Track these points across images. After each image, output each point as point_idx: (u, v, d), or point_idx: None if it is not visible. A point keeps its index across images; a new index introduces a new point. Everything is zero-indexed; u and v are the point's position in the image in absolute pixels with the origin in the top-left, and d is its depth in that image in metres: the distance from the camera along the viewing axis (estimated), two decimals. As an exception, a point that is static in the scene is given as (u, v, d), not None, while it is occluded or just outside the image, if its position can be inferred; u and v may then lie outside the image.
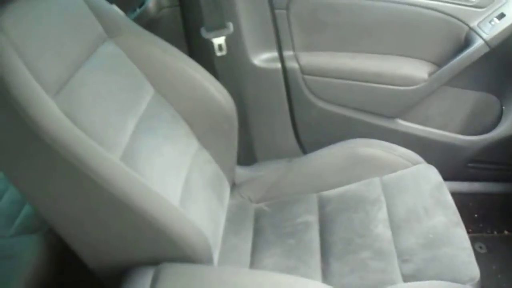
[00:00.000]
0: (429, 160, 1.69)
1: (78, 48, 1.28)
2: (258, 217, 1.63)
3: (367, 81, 1.94)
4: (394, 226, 1.45)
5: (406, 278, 1.30)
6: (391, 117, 1.99)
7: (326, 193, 1.64)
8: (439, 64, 1.92)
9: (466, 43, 1.87)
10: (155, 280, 1.09)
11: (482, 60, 1.83)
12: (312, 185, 1.68)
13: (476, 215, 2.07)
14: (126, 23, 1.50)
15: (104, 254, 1.20)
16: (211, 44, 1.79)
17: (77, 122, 1.09)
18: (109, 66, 1.37)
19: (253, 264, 1.45)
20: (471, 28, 1.86)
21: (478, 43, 1.81)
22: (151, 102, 1.44)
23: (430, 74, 1.91)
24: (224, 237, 1.53)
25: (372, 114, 1.99)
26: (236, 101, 1.63)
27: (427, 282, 1.27)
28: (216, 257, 1.42)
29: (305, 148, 2.04)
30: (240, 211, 1.64)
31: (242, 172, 1.87)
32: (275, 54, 1.93)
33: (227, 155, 1.66)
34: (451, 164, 1.99)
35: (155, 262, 1.14)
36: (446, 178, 1.64)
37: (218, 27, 1.78)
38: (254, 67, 1.90)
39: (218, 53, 1.80)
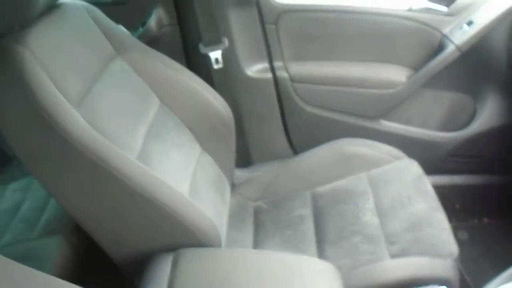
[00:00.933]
0: (411, 156, 1.82)
1: (93, 65, 1.40)
2: (257, 213, 1.74)
3: (351, 86, 2.03)
4: (381, 213, 1.59)
5: (393, 257, 1.44)
6: (375, 118, 2.09)
7: (318, 189, 1.76)
8: (416, 68, 2.04)
9: (440, 48, 1.98)
10: (174, 264, 1.21)
11: (455, 63, 1.95)
12: (305, 183, 1.79)
13: (457, 206, 2.19)
14: (131, 41, 1.61)
15: (126, 244, 1.32)
16: (208, 58, 1.88)
17: (98, 129, 1.21)
18: (120, 80, 1.48)
19: None
20: (443, 35, 1.98)
21: (450, 48, 1.94)
22: (158, 112, 1.55)
23: (408, 78, 2.03)
24: (228, 232, 1.63)
25: (357, 116, 2.09)
26: (233, 109, 1.73)
27: (411, 258, 1.43)
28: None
29: (296, 150, 2.12)
30: (241, 209, 1.75)
31: (240, 174, 1.96)
32: (266, 65, 2.01)
33: (226, 158, 1.76)
34: (431, 158, 2.10)
35: (173, 248, 1.26)
36: (427, 172, 1.78)
37: (215, 42, 1.88)
38: (247, 77, 1.99)
39: (215, 66, 1.89)
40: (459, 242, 1.51)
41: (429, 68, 2.00)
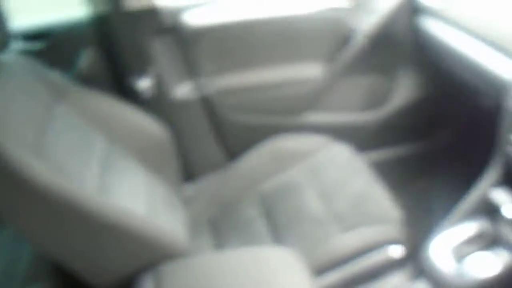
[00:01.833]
0: (340, 140, 1.98)
1: (40, 114, 1.46)
2: (211, 222, 1.84)
3: (273, 89, 2.14)
4: (325, 197, 1.75)
5: (344, 233, 1.61)
6: (300, 113, 2.21)
7: (262, 187, 1.89)
8: (330, 61, 2.17)
9: (349, 39, 2.13)
10: (158, 283, 1.30)
11: (365, 50, 2.11)
12: (249, 184, 1.91)
13: (393, 176, 2.32)
14: (67, 84, 1.68)
15: (107, 273, 1.39)
16: (139, 88, 1.95)
17: (58, 172, 1.30)
18: (66, 124, 1.55)
19: None
20: (351, 28, 2.13)
21: (359, 37, 2.10)
22: (104, 146, 1.63)
23: (323, 71, 2.16)
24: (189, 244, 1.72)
25: (285, 114, 2.19)
26: (170, 130, 1.82)
27: (360, 229, 1.60)
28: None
29: (234, 157, 2.17)
30: (195, 221, 1.84)
31: (188, 188, 2.05)
32: (191, 85, 2.09)
33: (172, 176, 1.84)
34: (359, 138, 2.25)
35: (150, 266, 1.35)
36: (358, 151, 1.96)
37: (143, 72, 1.95)
38: (177, 99, 2.06)
39: (147, 94, 1.97)
40: (400, 207, 1.71)
41: (342, 59, 2.14)
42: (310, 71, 2.17)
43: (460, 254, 1.63)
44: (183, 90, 2.07)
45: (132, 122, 1.75)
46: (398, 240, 1.61)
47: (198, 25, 1.98)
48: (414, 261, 1.68)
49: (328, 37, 2.16)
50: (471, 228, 1.68)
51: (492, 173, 1.71)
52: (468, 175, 1.81)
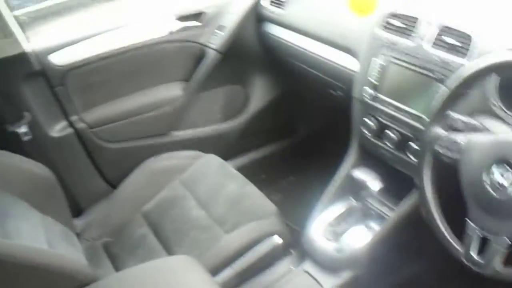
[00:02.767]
0: (208, 151, 2.11)
1: None
2: (106, 248, 1.89)
3: (141, 112, 2.20)
4: (204, 206, 1.87)
5: (228, 233, 1.74)
6: (169, 132, 2.31)
7: (145, 207, 1.97)
8: (188, 79, 2.28)
9: (203, 56, 2.27)
10: None
11: (219, 64, 2.26)
12: (132, 207, 1.98)
13: (263, 176, 2.51)
14: None
15: None
16: (17, 134, 1.97)
17: None
18: None
19: None
20: (202, 44, 2.26)
21: (211, 53, 2.24)
22: None
23: (183, 90, 2.27)
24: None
25: (155, 135, 2.29)
26: (52, 169, 1.85)
27: (242, 227, 1.73)
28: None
29: (115, 184, 2.20)
30: (91, 250, 1.87)
31: (78, 222, 2.07)
32: (65, 122, 2.10)
33: (62, 213, 1.87)
34: (225, 147, 2.41)
35: None
36: (227, 158, 2.10)
37: (18, 118, 1.97)
38: (54, 138, 2.06)
39: (25, 138, 1.99)
40: (275, 202, 1.86)
41: (198, 76, 2.27)
42: (172, 92, 2.27)
43: (336, 232, 1.81)
44: (57, 128, 2.09)
45: (16, 167, 1.78)
46: (279, 230, 1.76)
47: (65, 64, 2.01)
48: (297, 246, 1.85)
49: (183, 57, 2.27)
50: (342, 207, 1.87)
51: (352, 156, 1.91)
52: (331, 162, 1.99)
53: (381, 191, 1.79)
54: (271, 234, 1.73)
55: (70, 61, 2.02)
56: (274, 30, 2.29)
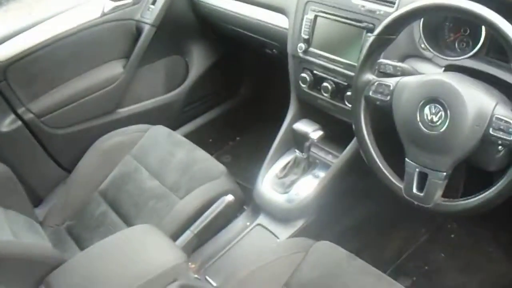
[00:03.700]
0: (156, 123, 2.16)
1: None
2: (70, 231, 1.93)
3: (86, 94, 2.22)
4: (157, 175, 1.93)
5: (183, 198, 1.80)
6: (114, 110, 2.34)
7: (102, 187, 2.00)
8: (128, 56, 2.31)
9: (140, 32, 2.30)
10: None
11: (156, 37, 2.30)
12: (89, 187, 2.01)
13: (210, 140, 2.63)
14: None
15: None
16: None
17: None
18: None
19: None
20: (137, 20, 2.31)
21: (147, 28, 2.28)
22: None
23: (124, 67, 2.30)
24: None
25: (101, 116, 2.32)
26: (7, 163, 1.87)
27: (196, 190, 1.81)
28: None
29: (69, 169, 2.19)
30: (56, 236, 1.90)
31: (39, 211, 2.08)
32: (13, 116, 2.09)
33: (22, 204, 1.87)
34: (172, 116, 2.48)
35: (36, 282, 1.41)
36: (174, 127, 2.18)
37: None
38: (3, 133, 2.06)
39: None
40: (225, 164, 1.94)
41: (137, 51, 2.31)
42: (113, 70, 2.31)
43: (285, 184, 1.89)
44: (7, 123, 2.09)
45: None
46: (230, 189, 1.84)
47: (4, 60, 2.01)
48: (250, 202, 1.93)
49: (120, 35, 2.31)
50: (288, 160, 1.95)
51: (292, 110, 1.99)
52: (274, 118, 2.07)
53: (324, 140, 1.86)
54: (223, 193, 1.80)
55: (9, 55, 2.02)
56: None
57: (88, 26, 2.18)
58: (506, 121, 1.17)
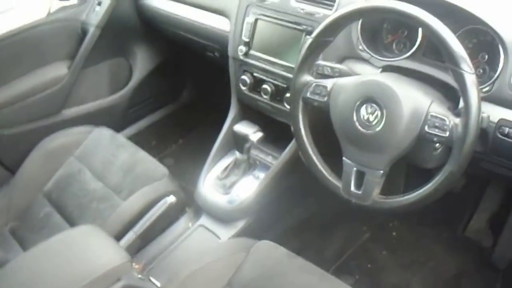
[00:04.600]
0: (99, 124, 2.17)
1: None
2: (13, 232, 1.91)
3: (30, 95, 2.19)
4: (101, 177, 1.95)
5: (126, 199, 1.82)
6: (58, 111, 2.33)
7: (46, 187, 2.00)
8: (73, 57, 2.30)
9: (85, 33, 2.30)
10: None
11: (101, 38, 2.30)
12: (34, 188, 2.00)
13: (154, 142, 2.66)
14: None
15: None
16: None
17: None
18: None
19: None
20: (83, 22, 2.31)
21: (92, 29, 2.27)
22: None
23: (69, 68, 2.29)
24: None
25: (46, 117, 2.29)
26: None
27: (138, 192, 1.83)
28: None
29: (13, 170, 2.16)
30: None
31: None
32: None
33: None
34: (116, 118, 2.49)
35: None
36: (118, 130, 2.19)
37: None
38: None
39: None
40: (168, 166, 1.97)
41: (82, 53, 2.30)
42: (58, 71, 2.29)
43: (226, 185, 1.92)
44: None
45: None
46: (172, 190, 1.87)
47: None
48: (192, 203, 1.94)
49: (65, 36, 2.30)
50: (228, 161, 1.99)
51: (233, 112, 2.02)
52: (216, 120, 2.10)
53: (265, 141, 1.88)
54: (165, 195, 1.84)
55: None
56: (151, 1, 2.35)
57: (33, 26, 2.18)
58: (441, 118, 1.22)
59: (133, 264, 1.63)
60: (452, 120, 1.22)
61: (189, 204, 1.96)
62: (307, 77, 1.44)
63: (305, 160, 1.49)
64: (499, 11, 1.41)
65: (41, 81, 2.23)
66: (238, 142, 1.88)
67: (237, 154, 1.93)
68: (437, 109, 1.24)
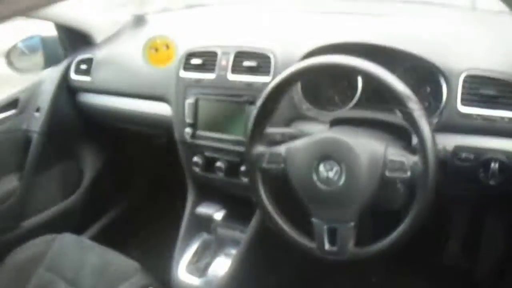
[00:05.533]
0: (60, 231, 2.06)
1: None
2: None
3: None
4: (74, 284, 1.85)
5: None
6: (17, 225, 2.25)
7: None
8: (22, 168, 2.24)
9: (29, 141, 2.25)
10: None
11: (47, 144, 2.28)
12: None
13: (119, 238, 2.50)
14: None
15: None
16: None
17: None
18: None
19: None
20: (25, 131, 2.26)
21: (35, 137, 2.24)
22: None
23: (20, 180, 2.23)
24: None
25: (6, 232, 2.21)
26: None
27: None
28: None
29: None
30: None
31: None
32: None
33: None
34: (76, 222, 2.44)
35: None
36: (80, 233, 2.18)
37: None
38: None
39: None
40: (137, 258, 1.92)
41: (30, 162, 2.26)
42: (9, 185, 2.23)
43: (200, 268, 1.89)
44: None
45: None
46: (147, 283, 1.81)
47: None
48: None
49: (10, 147, 2.26)
50: (197, 244, 1.96)
51: (191, 195, 2.01)
52: (177, 205, 2.09)
53: (229, 217, 1.87)
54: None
55: None
56: (87, 98, 2.34)
57: None
58: (399, 161, 1.25)
59: None
60: (411, 159, 1.25)
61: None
62: (260, 148, 1.46)
63: (274, 228, 1.49)
64: (430, 44, 1.46)
65: None
66: (203, 223, 1.87)
67: (205, 235, 1.92)
68: (393, 151, 1.28)
